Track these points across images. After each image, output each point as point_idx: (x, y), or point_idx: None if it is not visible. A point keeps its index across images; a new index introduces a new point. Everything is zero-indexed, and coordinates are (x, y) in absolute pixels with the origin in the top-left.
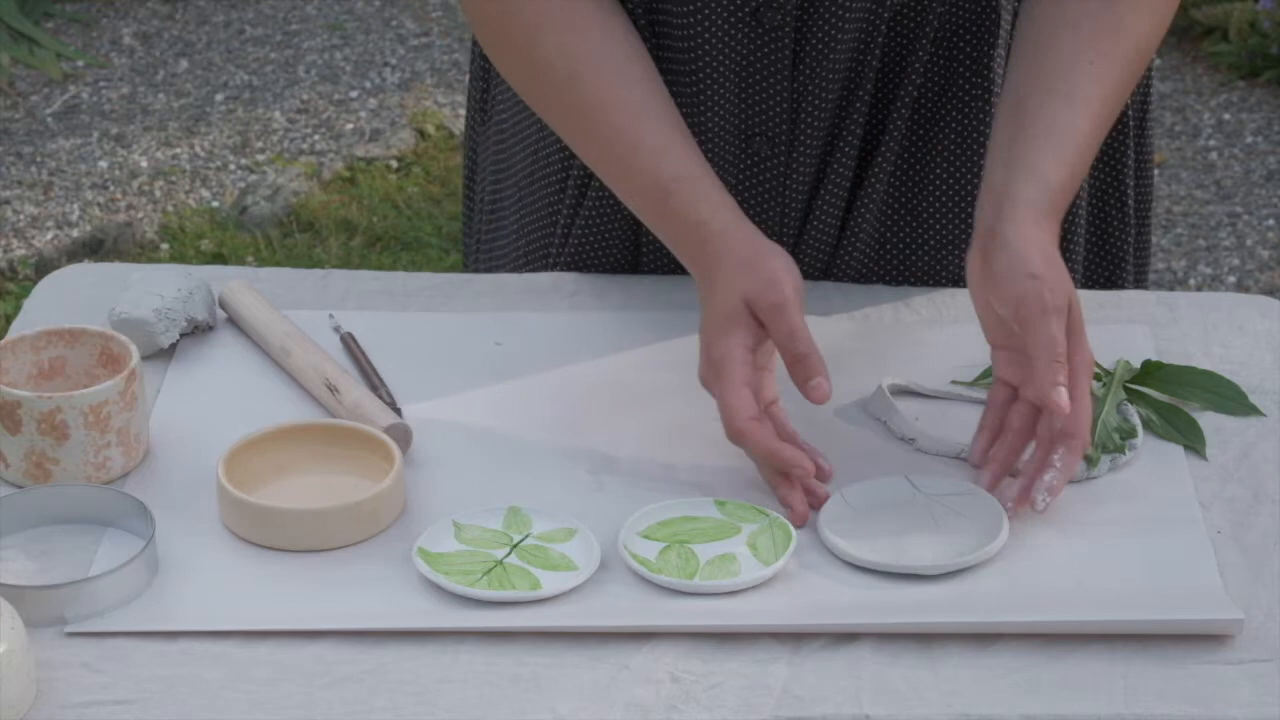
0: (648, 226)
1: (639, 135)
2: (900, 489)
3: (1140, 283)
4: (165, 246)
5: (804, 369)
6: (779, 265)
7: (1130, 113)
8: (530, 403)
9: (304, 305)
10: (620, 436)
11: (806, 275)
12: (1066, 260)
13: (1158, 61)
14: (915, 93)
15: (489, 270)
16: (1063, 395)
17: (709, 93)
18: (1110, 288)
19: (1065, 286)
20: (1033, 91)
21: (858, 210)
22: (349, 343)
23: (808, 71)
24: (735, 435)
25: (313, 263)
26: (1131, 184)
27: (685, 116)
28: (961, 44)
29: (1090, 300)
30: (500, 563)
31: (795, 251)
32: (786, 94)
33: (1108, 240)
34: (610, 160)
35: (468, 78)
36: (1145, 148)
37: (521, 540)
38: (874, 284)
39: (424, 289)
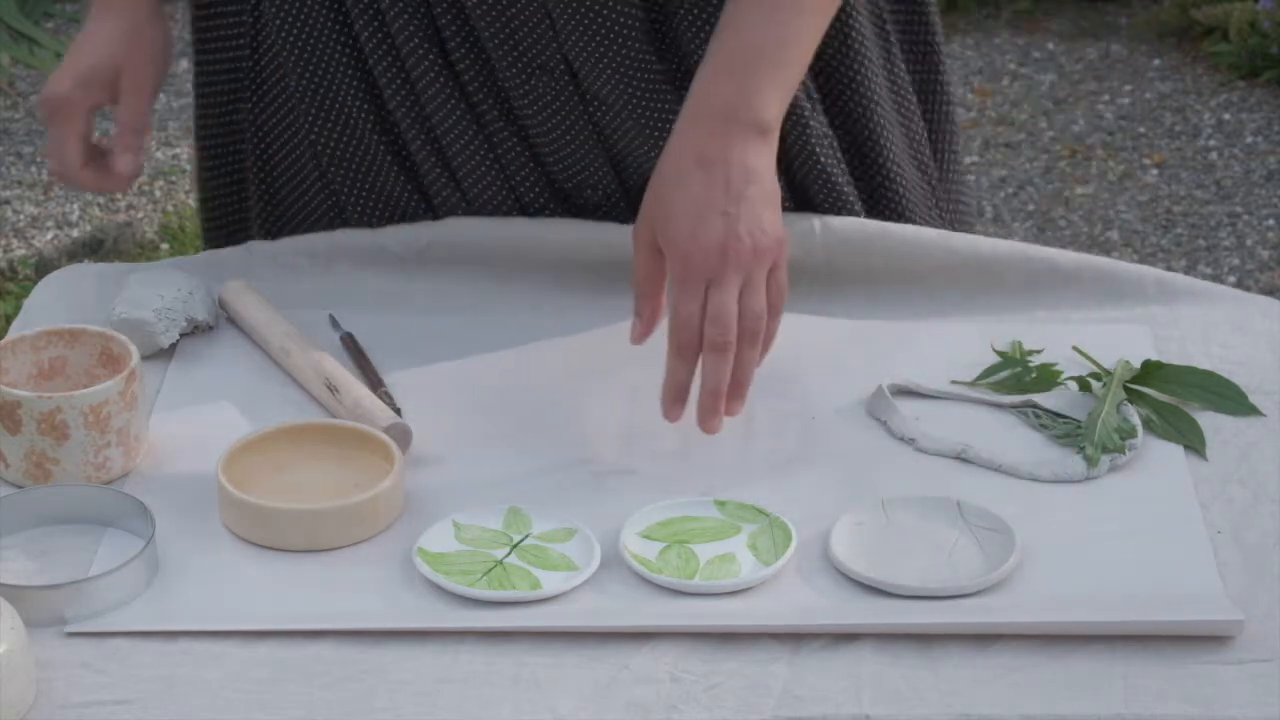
0: None
1: None
2: (945, 510)
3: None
4: (165, 246)
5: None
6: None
7: (899, 61)
8: (530, 403)
9: (304, 305)
10: (621, 436)
11: None
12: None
13: (1157, 61)
14: None
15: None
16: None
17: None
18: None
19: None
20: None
21: None
22: (349, 343)
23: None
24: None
25: None
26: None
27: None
28: None
29: (1091, 294)
30: (500, 563)
31: None
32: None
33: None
34: None
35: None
36: (941, 93)
37: (521, 540)
38: None
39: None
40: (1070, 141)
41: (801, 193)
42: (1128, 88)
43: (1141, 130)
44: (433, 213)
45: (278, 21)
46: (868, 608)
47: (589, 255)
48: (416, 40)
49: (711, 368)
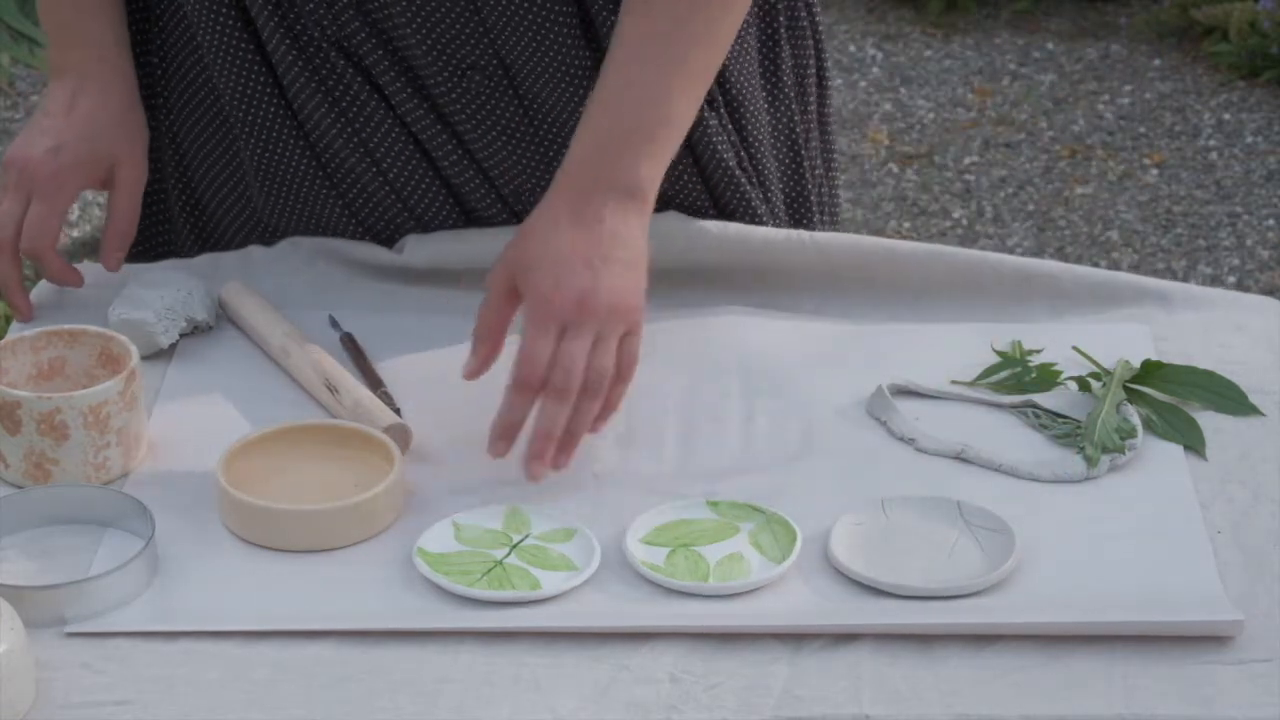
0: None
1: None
2: (945, 510)
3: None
4: None
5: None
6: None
7: (786, 69)
8: None
9: (304, 305)
10: (620, 436)
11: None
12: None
13: (1157, 61)
14: None
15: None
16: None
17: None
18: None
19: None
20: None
21: None
22: (349, 343)
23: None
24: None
25: None
26: (807, 132)
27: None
28: None
29: (1089, 289)
30: (500, 563)
31: None
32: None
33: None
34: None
35: None
36: (824, 100)
37: (521, 540)
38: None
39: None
40: (1070, 141)
41: (713, 196)
42: (1128, 88)
43: (1141, 130)
44: (364, 229)
45: (179, 33)
46: (868, 608)
47: None
48: (331, 52)
49: (549, 412)
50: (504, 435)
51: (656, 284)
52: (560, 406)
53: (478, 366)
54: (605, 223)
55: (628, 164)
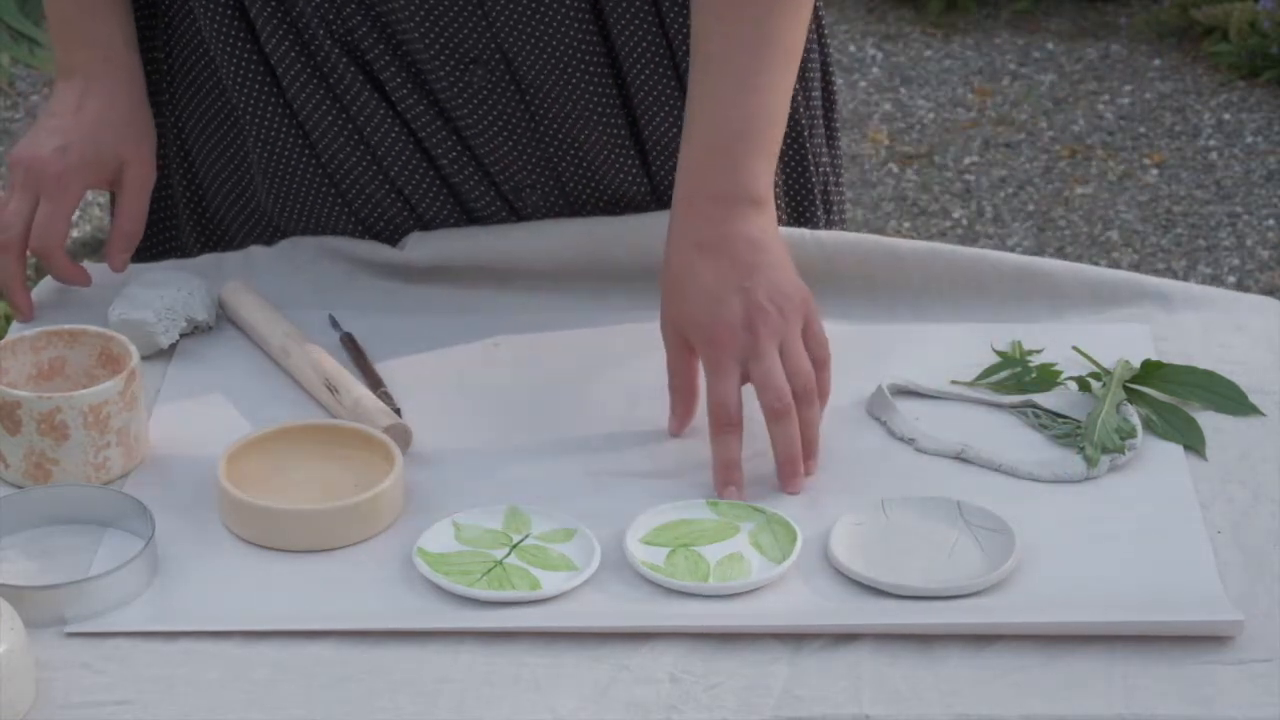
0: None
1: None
2: (945, 510)
3: (833, 225)
4: None
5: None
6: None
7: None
8: (530, 403)
9: (304, 305)
10: (620, 436)
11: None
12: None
13: (1157, 61)
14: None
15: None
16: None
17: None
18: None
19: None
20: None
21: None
22: (349, 343)
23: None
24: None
25: None
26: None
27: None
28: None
29: (1089, 288)
30: (500, 563)
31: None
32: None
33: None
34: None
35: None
36: (829, 95)
37: (521, 540)
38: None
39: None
40: (1070, 141)
41: None
42: (1128, 88)
43: (1141, 130)
44: (365, 228)
45: (184, 27)
46: (868, 608)
47: (585, 255)
48: (333, 50)
49: (780, 437)
50: (728, 480)
51: (656, 282)
52: (787, 426)
53: (678, 424)
54: (738, 238)
55: (742, 174)
